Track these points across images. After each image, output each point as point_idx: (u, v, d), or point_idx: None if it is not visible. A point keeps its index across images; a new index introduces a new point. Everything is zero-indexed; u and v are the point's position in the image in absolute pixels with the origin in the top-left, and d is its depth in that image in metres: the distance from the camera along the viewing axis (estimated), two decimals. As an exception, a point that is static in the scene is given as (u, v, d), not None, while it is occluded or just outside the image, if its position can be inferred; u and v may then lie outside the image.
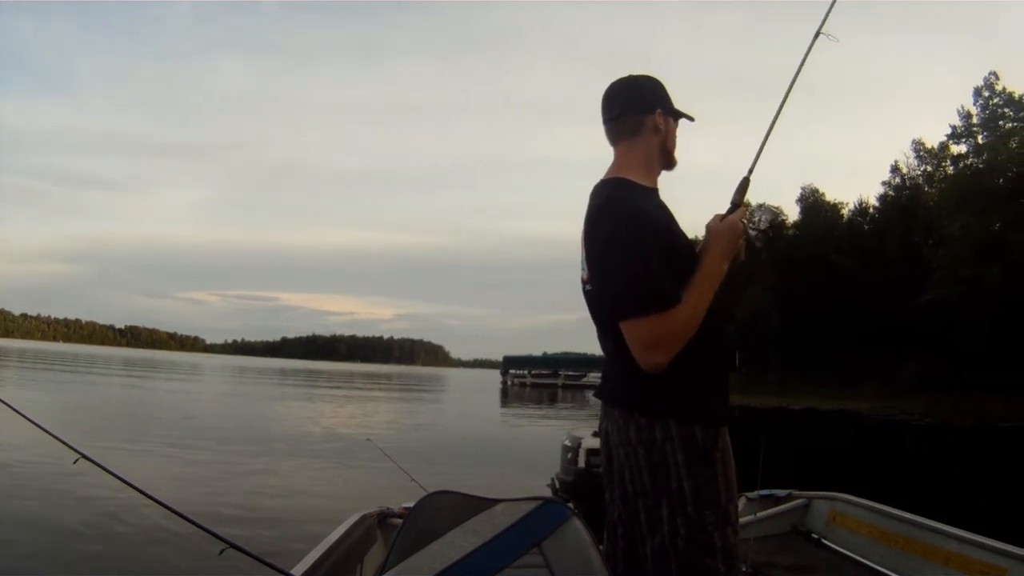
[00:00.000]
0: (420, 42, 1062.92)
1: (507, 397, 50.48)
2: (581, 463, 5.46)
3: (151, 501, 2.69)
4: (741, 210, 2.26)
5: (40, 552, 6.39)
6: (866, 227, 56.81)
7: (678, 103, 2.37)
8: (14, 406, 2.82)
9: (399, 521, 3.73)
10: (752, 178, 2.35)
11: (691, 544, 2.06)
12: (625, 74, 2.37)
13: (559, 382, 73.14)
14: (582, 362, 77.97)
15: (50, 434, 2.77)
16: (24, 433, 3.04)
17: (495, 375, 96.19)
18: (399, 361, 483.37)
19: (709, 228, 2.24)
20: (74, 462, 2.68)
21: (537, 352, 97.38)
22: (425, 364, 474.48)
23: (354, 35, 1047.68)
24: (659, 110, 2.30)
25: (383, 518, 4.15)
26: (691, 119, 2.40)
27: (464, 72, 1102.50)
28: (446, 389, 61.71)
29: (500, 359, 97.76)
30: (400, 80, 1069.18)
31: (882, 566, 4.12)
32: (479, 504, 2.66)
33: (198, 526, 2.61)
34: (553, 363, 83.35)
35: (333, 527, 3.71)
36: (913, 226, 47.76)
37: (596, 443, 5.85)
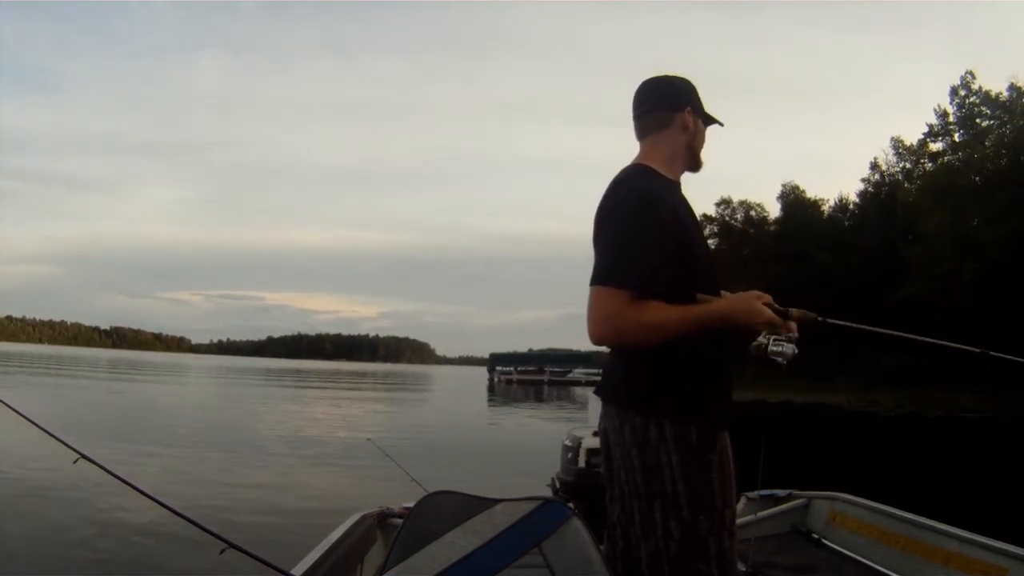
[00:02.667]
0: (399, 40, 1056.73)
1: (495, 394, 50.47)
2: (581, 463, 5.46)
3: (151, 501, 2.69)
4: (777, 318, 2.10)
5: (40, 552, 6.36)
6: (846, 223, 57.21)
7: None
8: (14, 406, 2.81)
9: (399, 521, 3.73)
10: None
11: (685, 548, 2.04)
12: (656, 73, 2.35)
13: (545, 378, 73.33)
14: (567, 358, 78.51)
15: (50, 434, 2.75)
16: (24, 433, 3.02)
17: (481, 372, 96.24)
18: (385, 359, 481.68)
19: (752, 294, 2.15)
20: (74, 462, 2.66)
21: (522, 348, 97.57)
22: (411, 362, 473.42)
23: (333, 33, 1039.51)
24: (688, 109, 2.28)
25: (383, 518, 4.13)
26: (720, 124, 2.38)
27: (441, 70, 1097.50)
28: (435, 387, 61.58)
29: (485, 356, 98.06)
30: (378, 78, 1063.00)
31: (882, 566, 4.12)
32: (479, 504, 2.66)
33: (198, 526, 2.60)
34: (539, 360, 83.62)
35: (333, 527, 3.70)
36: (891, 222, 47.97)
37: (596, 443, 5.86)
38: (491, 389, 59.28)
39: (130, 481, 2.69)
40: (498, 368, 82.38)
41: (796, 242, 53.49)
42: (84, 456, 2.68)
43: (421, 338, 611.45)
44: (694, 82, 2.36)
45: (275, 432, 17.66)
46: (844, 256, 49.87)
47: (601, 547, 2.60)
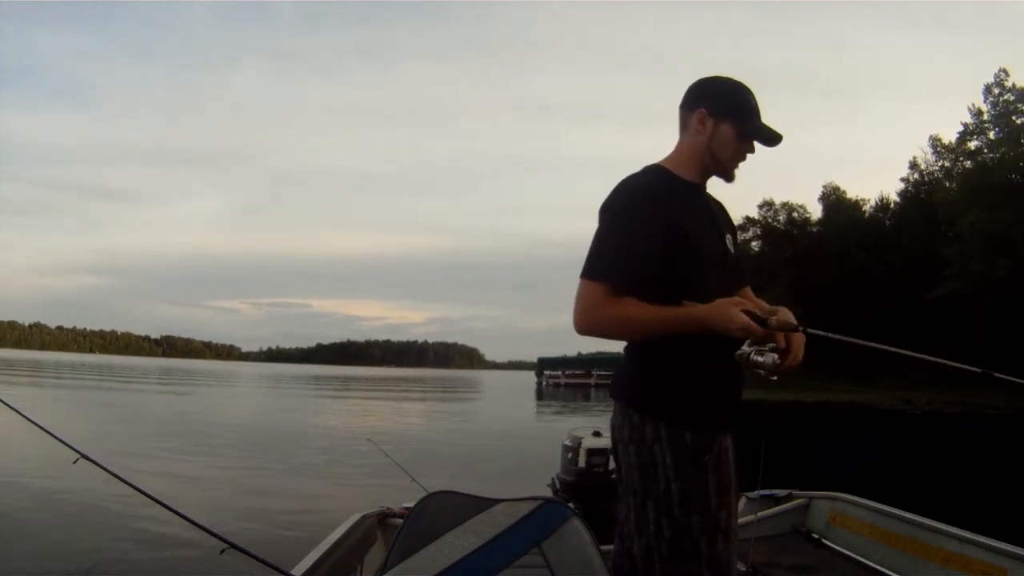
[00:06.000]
0: (437, 45, 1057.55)
1: (543, 398, 50.84)
2: (581, 463, 5.47)
3: (151, 501, 2.69)
4: (755, 326, 1.95)
5: (40, 552, 6.43)
6: (887, 223, 56.80)
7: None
8: (14, 406, 2.84)
9: (399, 521, 3.74)
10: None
11: (675, 548, 2.01)
12: (697, 71, 2.27)
13: (592, 382, 73.25)
14: (614, 361, 78.00)
15: (50, 434, 2.79)
16: (25, 434, 3.05)
17: (530, 376, 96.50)
18: (434, 365, 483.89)
19: (731, 300, 2.01)
20: (74, 462, 2.70)
21: (570, 352, 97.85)
22: (460, 367, 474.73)
23: (370, 39, 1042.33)
24: (702, 110, 2.18)
25: (383, 518, 4.16)
26: (767, 140, 2.23)
27: (482, 73, 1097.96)
28: (484, 392, 62.11)
29: (534, 360, 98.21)
30: (418, 83, 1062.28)
31: (882, 566, 4.12)
32: (479, 504, 2.65)
33: (198, 526, 2.61)
34: (586, 363, 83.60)
35: (333, 527, 3.72)
36: (931, 221, 47.34)
37: (596, 443, 5.92)
38: (539, 393, 59.89)
39: (130, 481, 2.71)
40: (546, 372, 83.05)
41: (838, 243, 53.14)
42: (84, 456, 2.71)
43: (469, 343, 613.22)
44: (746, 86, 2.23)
45: (291, 434, 17.80)
46: (885, 256, 49.61)
47: (601, 547, 2.57)
